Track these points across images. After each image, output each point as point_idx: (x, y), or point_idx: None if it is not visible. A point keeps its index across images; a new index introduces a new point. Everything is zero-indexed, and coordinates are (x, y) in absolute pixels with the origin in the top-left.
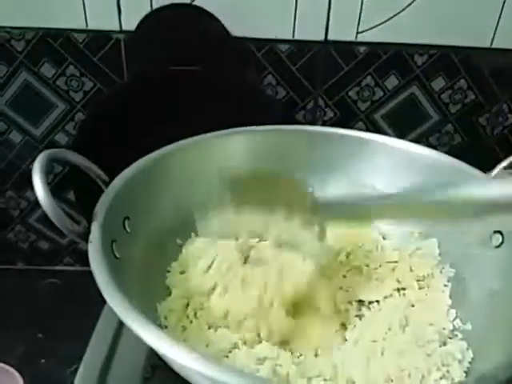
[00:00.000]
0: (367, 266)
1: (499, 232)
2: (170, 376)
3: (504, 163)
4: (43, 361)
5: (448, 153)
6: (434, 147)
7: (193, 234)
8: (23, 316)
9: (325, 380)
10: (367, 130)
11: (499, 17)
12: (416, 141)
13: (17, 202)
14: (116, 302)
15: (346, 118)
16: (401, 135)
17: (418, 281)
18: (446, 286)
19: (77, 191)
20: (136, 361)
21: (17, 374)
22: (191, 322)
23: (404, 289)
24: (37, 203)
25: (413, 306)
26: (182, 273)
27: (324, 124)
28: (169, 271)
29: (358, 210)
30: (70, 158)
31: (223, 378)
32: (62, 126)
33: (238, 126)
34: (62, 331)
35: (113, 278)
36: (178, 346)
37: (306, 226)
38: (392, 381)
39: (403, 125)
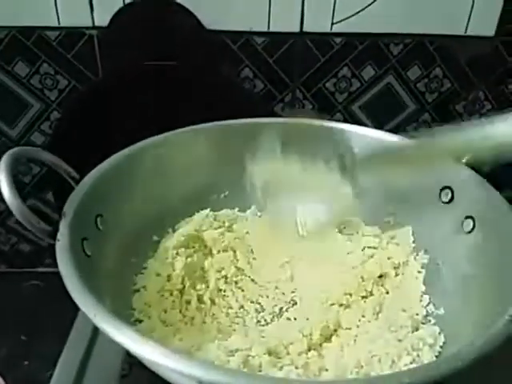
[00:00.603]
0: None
1: (471, 217)
2: (146, 373)
3: None
4: (26, 363)
5: None
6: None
7: (170, 229)
8: (6, 319)
9: (296, 368)
10: (345, 121)
11: (472, 4)
12: (393, 131)
13: None
14: (80, 298)
15: (324, 110)
16: (379, 125)
17: (394, 268)
18: (419, 272)
19: (55, 192)
20: (113, 358)
21: None
22: (167, 315)
23: (380, 276)
24: None
25: (387, 292)
26: (157, 275)
27: None
28: (145, 268)
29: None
30: (37, 156)
31: (190, 371)
32: (38, 126)
33: (215, 121)
34: (46, 333)
35: (80, 275)
36: (144, 342)
37: None
38: (362, 367)
39: (381, 115)
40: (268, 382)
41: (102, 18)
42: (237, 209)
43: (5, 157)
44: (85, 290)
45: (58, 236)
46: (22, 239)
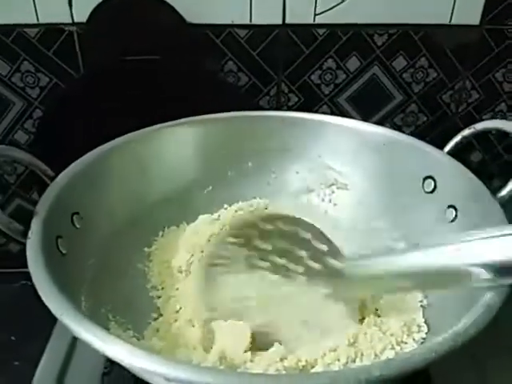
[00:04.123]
0: None
1: (453, 206)
2: (127, 371)
3: (456, 139)
4: (17, 363)
5: (413, 132)
6: (399, 127)
7: (160, 231)
8: None
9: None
10: (332, 113)
11: None
12: (381, 122)
13: None
14: (47, 295)
15: (311, 103)
16: (365, 117)
17: None
18: None
19: (40, 191)
20: (95, 357)
21: None
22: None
23: None
24: (0, 205)
25: None
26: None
27: (289, 110)
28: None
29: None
30: (11, 155)
31: (174, 374)
32: (21, 124)
33: (199, 115)
34: (36, 333)
35: (51, 273)
36: (120, 345)
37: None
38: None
39: (367, 107)
40: (232, 377)
41: (81, 14)
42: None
43: None
44: (52, 287)
45: (29, 234)
46: (10, 239)
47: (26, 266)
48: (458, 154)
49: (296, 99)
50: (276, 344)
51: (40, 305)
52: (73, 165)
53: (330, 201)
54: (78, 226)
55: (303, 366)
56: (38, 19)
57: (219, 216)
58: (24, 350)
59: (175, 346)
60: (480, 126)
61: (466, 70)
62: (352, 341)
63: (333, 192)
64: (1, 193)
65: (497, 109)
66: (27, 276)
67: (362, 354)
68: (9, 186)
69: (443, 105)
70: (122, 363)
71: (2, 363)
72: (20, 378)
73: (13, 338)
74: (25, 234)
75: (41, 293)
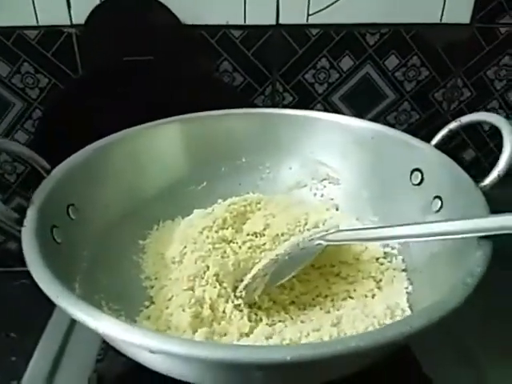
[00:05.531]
0: None
1: (439, 197)
2: (119, 357)
3: (443, 132)
4: (14, 359)
5: (406, 130)
6: (392, 126)
7: (155, 225)
8: None
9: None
10: (326, 112)
11: None
12: (374, 120)
13: None
14: (42, 279)
15: (305, 102)
16: (359, 116)
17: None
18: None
19: None
20: (89, 345)
21: None
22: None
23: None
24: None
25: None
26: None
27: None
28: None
29: None
30: (7, 147)
31: (163, 347)
32: (21, 125)
33: None
34: (36, 330)
35: (47, 259)
36: (113, 322)
37: None
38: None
39: (360, 105)
40: (214, 349)
41: (80, 16)
42: (219, 200)
43: None
44: (47, 271)
45: (25, 222)
46: (9, 238)
47: (25, 265)
48: (451, 151)
49: (290, 98)
50: (261, 324)
51: (39, 303)
52: (69, 158)
53: (322, 195)
54: (73, 217)
55: (287, 345)
56: (37, 21)
57: (213, 210)
58: (23, 346)
59: (166, 330)
60: (466, 118)
61: (458, 68)
62: (335, 321)
63: (325, 187)
64: (1, 192)
65: (488, 106)
66: (27, 275)
67: (344, 334)
68: (9, 185)
69: (435, 103)
70: (115, 341)
71: (1, 359)
72: (17, 373)
73: (12, 334)
74: (19, 222)
75: (35, 276)
